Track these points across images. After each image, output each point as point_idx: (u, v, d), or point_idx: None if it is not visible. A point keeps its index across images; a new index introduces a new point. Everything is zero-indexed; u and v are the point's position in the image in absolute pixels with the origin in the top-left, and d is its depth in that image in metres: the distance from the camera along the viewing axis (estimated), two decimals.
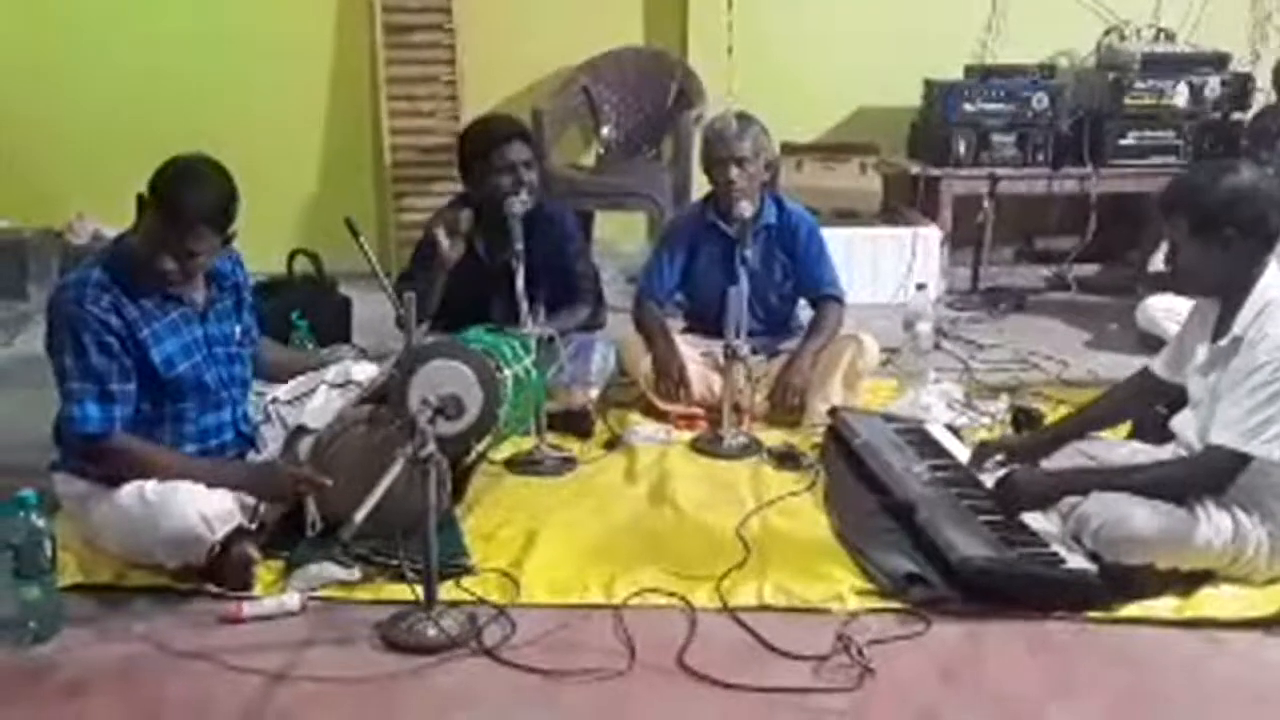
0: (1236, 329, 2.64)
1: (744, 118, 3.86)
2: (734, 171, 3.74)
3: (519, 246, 3.42)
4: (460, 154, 3.84)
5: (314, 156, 5.83)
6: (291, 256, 4.56)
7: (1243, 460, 2.57)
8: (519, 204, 3.52)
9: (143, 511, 2.60)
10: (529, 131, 3.90)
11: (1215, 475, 2.62)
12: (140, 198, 2.69)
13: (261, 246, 3.83)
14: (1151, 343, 4.20)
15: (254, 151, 5.31)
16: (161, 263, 2.69)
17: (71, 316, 2.65)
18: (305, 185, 5.81)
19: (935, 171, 5.38)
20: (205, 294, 2.86)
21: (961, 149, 5.32)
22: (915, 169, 5.48)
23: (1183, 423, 2.85)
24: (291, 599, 2.60)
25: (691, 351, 3.84)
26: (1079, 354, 4.58)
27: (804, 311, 4.07)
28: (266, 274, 4.35)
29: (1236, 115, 5.36)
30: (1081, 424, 3.05)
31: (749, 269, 3.56)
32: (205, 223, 2.68)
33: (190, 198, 2.65)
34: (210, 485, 2.67)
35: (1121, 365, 4.09)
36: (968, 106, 5.33)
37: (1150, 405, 3.04)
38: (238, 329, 2.95)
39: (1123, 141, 5.33)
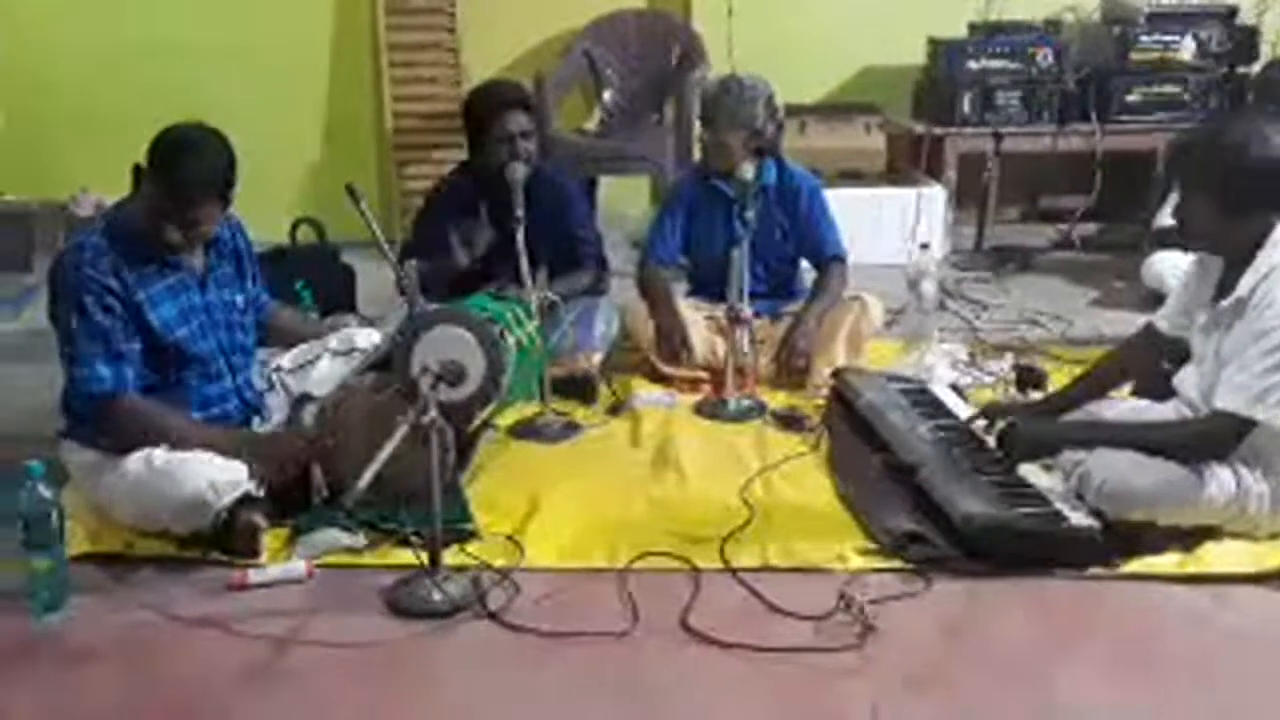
0: (1241, 289, 2.61)
1: (730, 80, 3.85)
2: (706, 134, 3.80)
3: (520, 212, 3.42)
4: (465, 119, 3.85)
5: (316, 125, 5.82)
6: (295, 225, 4.56)
7: (1248, 425, 2.56)
8: (520, 170, 3.51)
9: (151, 478, 2.62)
10: (530, 99, 3.89)
11: (1221, 440, 2.61)
12: (137, 168, 2.69)
13: (265, 216, 3.84)
14: (1156, 300, 4.18)
15: (256, 121, 5.30)
16: (166, 233, 2.71)
17: (71, 281, 2.66)
18: (308, 154, 5.81)
19: (939, 130, 5.36)
20: (203, 261, 2.86)
21: (966, 107, 5.30)
22: (919, 128, 5.46)
23: (1185, 379, 2.84)
24: (297, 566, 2.62)
25: (695, 315, 3.84)
26: (1084, 312, 4.57)
27: (807, 274, 4.06)
28: (270, 243, 4.35)
29: (1242, 69, 5.31)
30: (1090, 387, 3.02)
31: (750, 231, 3.55)
32: (207, 191, 2.68)
33: (190, 167, 2.65)
34: (219, 451, 2.68)
35: (1127, 323, 4.08)
36: (972, 64, 5.31)
37: (1156, 361, 3.03)
38: (239, 297, 2.95)
39: (1129, 97, 5.30)
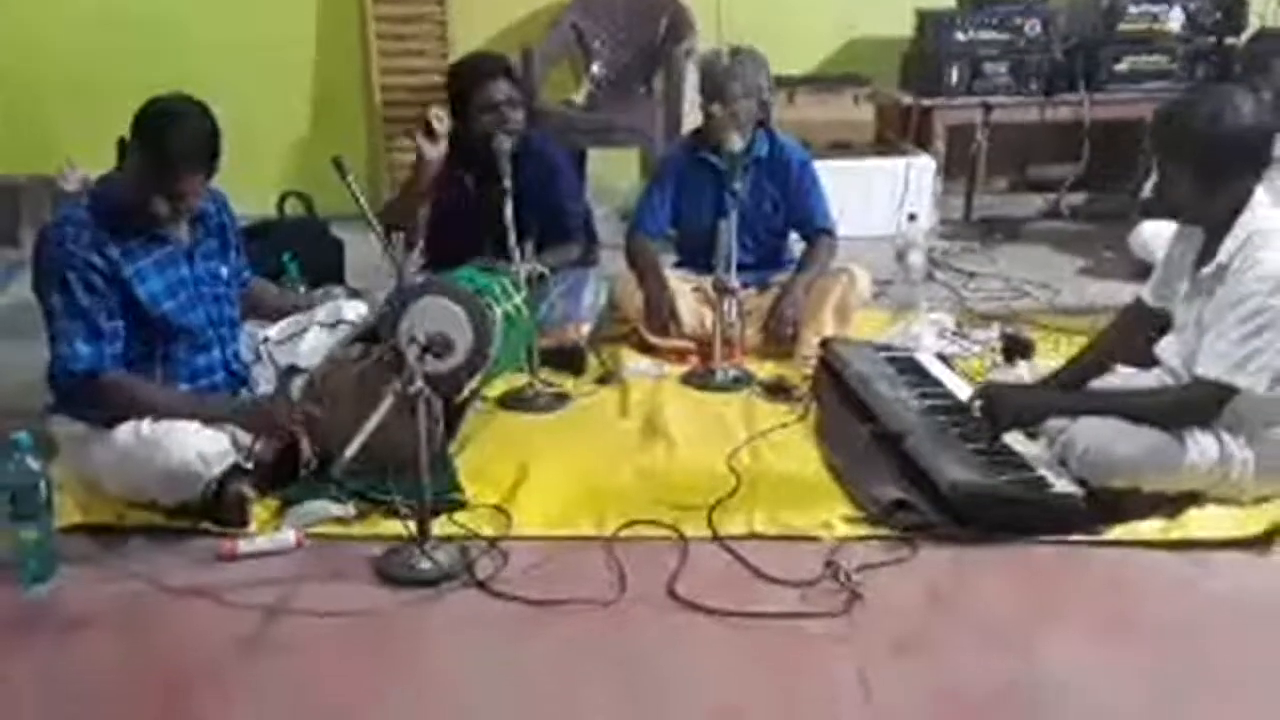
0: (1222, 256, 2.62)
1: (738, 53, 3.83)
2: (716, 107, 3.74)
3: (507, 184, 3.41)
4: (449, 92, 3.83)
5: (304, 98, 5.80)
6: (282, 198, 4.55)
7: (1230, 392, 2.57)
8: (506, 141, 3.51)
9: (139, 449, 2.63)
10: (514, 68, 3.87)
11: (1203, 407, 2.62)
12: (122, 141, 2.69)
13: (252, 189, 3.84)
14: (1144, 269, 4.19)
15: (244, 94, 5.27)
16: (153, 205, 2.70)
17: (54, 257, 2.66)
18: (296, 127, 5.78)
19: (928, 101, 5.35)
20: (190, 234, 2.86)
21: (954, 78, 5.29)
22: (908, 99, 5.46)
23: (1166, 347, 2.86)
24: (287, 536, 2.63)
25: (683, 286, 3.85)
26: (1072, 281, 4.58)
27: (796, 245, 4.07)
28: (258, 216, 4.34)
29: (1230, 40, 5.31)
30: (1086, 368, 3.00)
31: (738, 202, 3.55)
32: (192, 162, 2.68)
33: (175, 139, 2.65)
34: (204, 421, 2.69)
35: (1114, 292, 4.11)
36: (960, 35, 5.30)
37: (1145, 334, 3.04)
38: (224, 270, 2.95)
39: (1116, 67, 5.29)
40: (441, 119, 3.62)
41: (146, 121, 2.67)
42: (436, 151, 3.62)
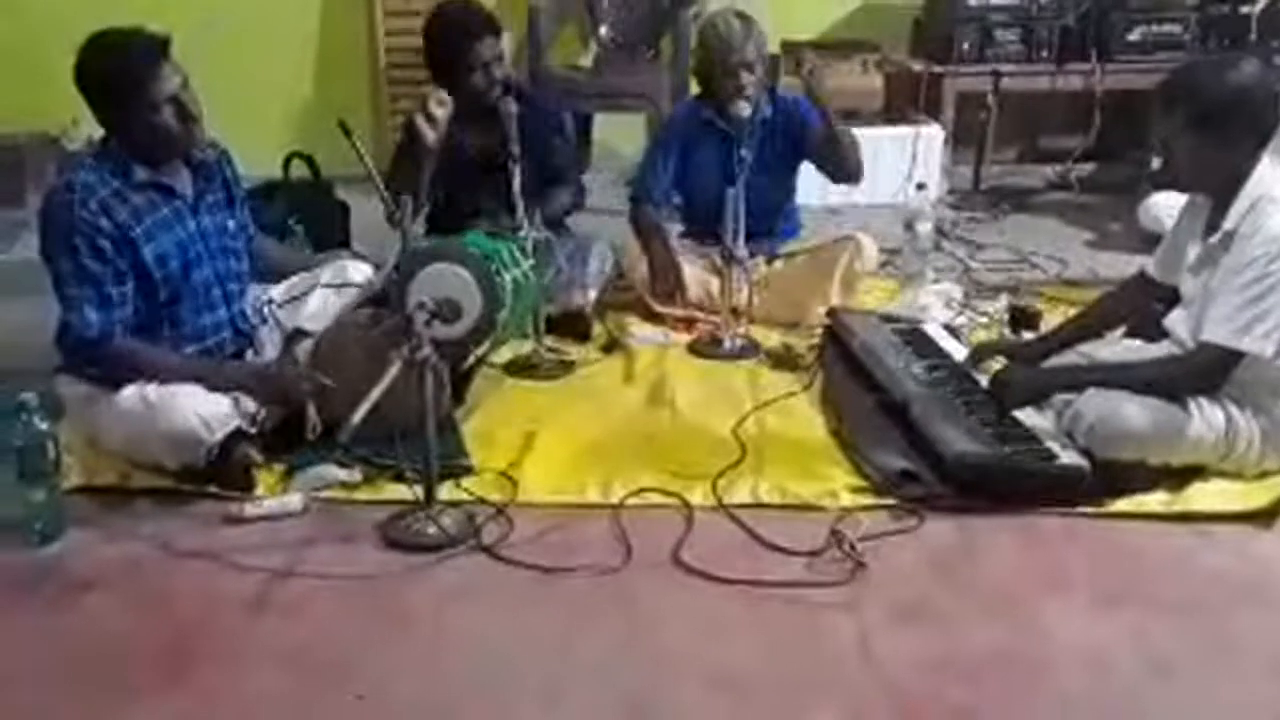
0: (1228, 224, 2.61)
1: (744, 18, 3.79)
2: (745, 76, 3.65)
3: (515, 149, 3.38)
4: (433, 51, 3.72)
5: (308, 58, 5.77)
6: (287, 160, 4.52)
7: (1235, 357, 2.57)
8: (512, 104, 3.46)
9: (144, 413, 2.63)
10: (497, 22, 3.79)
11: (1207, 372, 2.62)
12: (94, 106, 2.68)
13: (257, 150, 3.81)
14: (1153, 241, 4.16)
15: (248, 54, 5.26)
16: (164, 124, 2.67)
17: (63, 222, 2.65)
18: (300, 88, 5.76)
19: (938, 69, 5.31)
20: (193, 184, 2.85)
21: (965, 46, 5.24)
22: (918, 67, 5.41)
23: (1175, 320, 2.85)
24: (294, 500, 2.63)
25: (689, 254, 3.83)
26: (1080, 253, 4.56)
27: (802, 212, 4.04)
28: (263, 177, 4.31)
29: (1245, 8, 5.26)
30: (1080, 329, 3.03)
31: (746, 168, 3.53)
32: (154, 60, 2.66)
33: (125, 66, 2.64)
34: (212, 387, 2.69)
35: (1123, 264, 4.09)
36: (972, 1, 5.24)
37: (1147, 307, 3.04)
38: (231, 223, 2.94)
39: (1129, 36, 5.23)
40: (444, 102, 3.54)
41: (95, 69, 2.66)
42: (434, 135, 3.53)
